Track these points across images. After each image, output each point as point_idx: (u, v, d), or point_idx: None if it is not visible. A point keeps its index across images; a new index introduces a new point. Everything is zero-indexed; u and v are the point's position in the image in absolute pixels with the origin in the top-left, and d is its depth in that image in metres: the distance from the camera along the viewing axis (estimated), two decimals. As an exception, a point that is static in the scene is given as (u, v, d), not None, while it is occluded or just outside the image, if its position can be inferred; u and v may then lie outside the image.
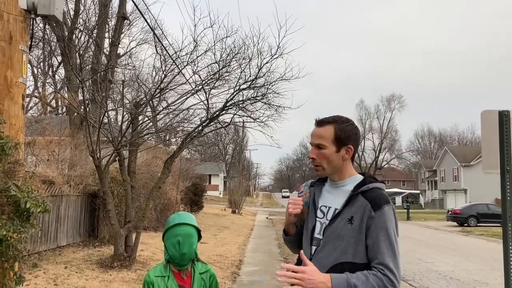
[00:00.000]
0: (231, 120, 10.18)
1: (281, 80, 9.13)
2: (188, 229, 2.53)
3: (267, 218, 30.61)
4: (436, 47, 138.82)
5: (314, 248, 2.12)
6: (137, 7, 11.54)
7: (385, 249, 1.92)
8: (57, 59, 27.64)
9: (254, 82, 9.17)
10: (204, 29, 8.68)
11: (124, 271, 8.33)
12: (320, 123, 2.15)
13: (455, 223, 28.46)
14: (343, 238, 1.99)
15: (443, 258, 13.15)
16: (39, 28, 17.57)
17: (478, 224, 27.42)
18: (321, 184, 2.25)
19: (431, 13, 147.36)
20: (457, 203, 43.33)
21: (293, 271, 1.84)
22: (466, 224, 27.51)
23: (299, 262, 2.11)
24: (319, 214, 2.16)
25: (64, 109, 27.39)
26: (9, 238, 3.52)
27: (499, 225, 26.92)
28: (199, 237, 2.63)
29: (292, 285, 1.83)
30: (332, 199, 2.14)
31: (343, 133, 2.08)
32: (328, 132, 2.10)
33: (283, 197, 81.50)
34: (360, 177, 2.13)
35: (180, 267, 2.55)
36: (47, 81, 28.69)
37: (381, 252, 1.92)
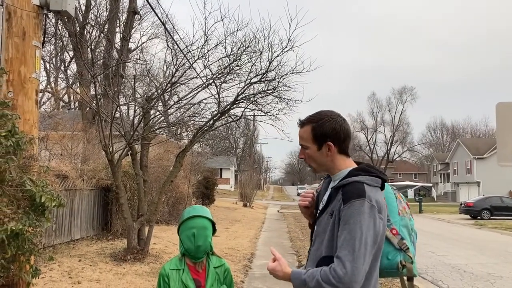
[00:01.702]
0: (242, 114, 10.18)
1: (292, 73, 9.09)
2: (203, 222, 2.55)
3: (278, 211, 30.67)
4: (449, 38, 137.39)
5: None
6: (148, 1, 11.55)
7: (343, 242, 1.87)
8: (69, 54, 27.91)
9: (265, 75, 9.14)
10: (215, 22, 8.66)
11: (137, 264, 8.41)
12: (300, 124, 2.20)
13: (468, 216, 28.23)
14: (326, 233, 2.01)
15: (456, 251, 13.07)
16: (51, 23, 17.73)
17: (491, 217, 27.17)
18: (329, 177, 2.27)
19: (445, 3, 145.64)
20: (470, 196, 42.96)
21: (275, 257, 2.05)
22: (479, 217, 27.27)
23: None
24: (320, 207, 2.19)
25: (77, 104, 27.62)
26: (25, 232, 3.56)
27: (513, 218, 26.75)
28: (214, 230, 2.64)
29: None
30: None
31: (319, 131, 2.10)
32: (306, 132, 2.14)
33: (299, 194, 74.29)
34: (348, 171, 2.12)
35: (195, 260, 2.57)
36: (60, 76, 28.98)
37: (339, 245, 1.88)
